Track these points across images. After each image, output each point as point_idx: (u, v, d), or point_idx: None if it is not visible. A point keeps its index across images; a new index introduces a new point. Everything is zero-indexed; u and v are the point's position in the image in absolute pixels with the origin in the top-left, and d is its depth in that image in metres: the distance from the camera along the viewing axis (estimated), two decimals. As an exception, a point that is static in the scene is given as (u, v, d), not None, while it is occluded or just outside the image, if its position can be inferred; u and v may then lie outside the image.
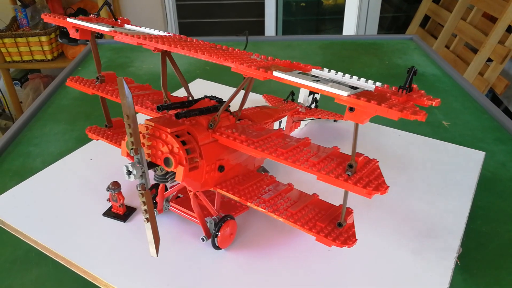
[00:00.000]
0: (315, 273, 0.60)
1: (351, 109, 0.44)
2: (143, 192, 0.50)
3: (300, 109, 0.89)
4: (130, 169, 0.49)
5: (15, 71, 2.67)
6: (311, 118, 0.90)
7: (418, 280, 0.59)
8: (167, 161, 0.54)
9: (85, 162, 0.85)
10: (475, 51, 2.19)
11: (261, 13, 2.94)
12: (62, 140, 1.00)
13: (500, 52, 2.04)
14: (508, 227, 0.72)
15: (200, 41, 0.61)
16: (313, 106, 0.95)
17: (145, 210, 0.50)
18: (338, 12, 2.87)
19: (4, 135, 1.00)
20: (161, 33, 0.65)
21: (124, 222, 0.68)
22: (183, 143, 0.54)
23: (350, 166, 0.48)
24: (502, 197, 0.78)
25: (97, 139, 0.75)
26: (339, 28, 2.77)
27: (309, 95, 0.92)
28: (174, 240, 0.65)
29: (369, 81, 0.48)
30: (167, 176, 0.57)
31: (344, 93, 0.43)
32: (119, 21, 0.72)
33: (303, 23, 3.25)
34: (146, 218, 0.51)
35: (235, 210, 0.68)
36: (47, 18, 0.71)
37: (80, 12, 2.54)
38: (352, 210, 0.55)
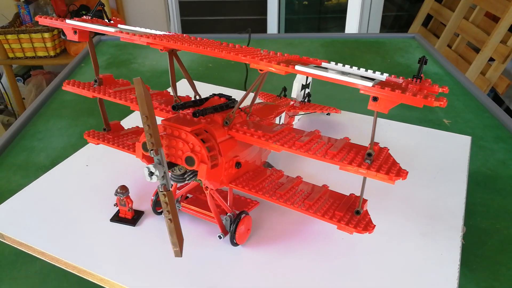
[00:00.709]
0: (330, 261, 0.61)
1: (375, 98, 0.45)
2: (165, 192, 0.49)
3: (294, 104, 0.90)
4: (152, 170, 0.49)
5: (17, 67, 2.68)
6: (307, 112, 0.92)
7: (431, 260, 0.61)
8: (189, 160, 0.53)
9: (81, 167, 0.81)
10: (477, 50, 2.19)
11: (264, 11, 2.95)
12: (65, 135, 1.00)
13: (502, 51, 2.04)
14: (508, 224, 0.72)
15: (204, 39, 0.61)
16: (305, 100, 0.97)
17: (168, 210, 0.49)
18: (340, 11, 2.87)
19: (8, 130, 1.01)
20: (160, 32, 0.64)
21: (134, 226, 0.67)
22: (203, 141, 0.54)
23: (369, 154, 0.50)
24: (502, 194, 0.79)
25: (98, 144, 0.72)
26: (341, 27, 2.78)
27: (301, 90, 0.93)
28: (189, 240, 0.63)
29: (377, 72, 0.49)
30: (185, 175, 0.57)
31: (369, 83, 0.45)
32: (112, 21, 0.70)
33: (305, 21, 3.25)
34: (169, 219, 0.50)
35: (246, 206, 0.69)
36: (42, 20, 0.67)
37: (83, 9, 2.55)
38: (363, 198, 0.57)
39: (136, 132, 0.75)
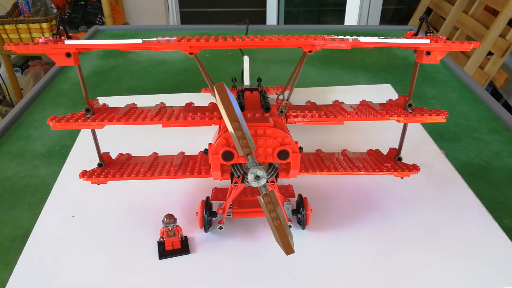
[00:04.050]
0: (377, 211, 0.69)
1: (428, 53, 0.54)
2: (269, 193, 0.49)
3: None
4: (259, 173, 0.48)
5: (16, 57, 2.67)
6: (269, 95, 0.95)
7: (443, 180, 0.75)
8: (282, 154, 0.53)
9: (67, 219, 0.68)
10: (476, 44, 2.18)
11: (263, 3, 2.94)
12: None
13: (501, 45, 2.04)
14: (500, 215, 0.73)
15: (220, 36, 0.58)
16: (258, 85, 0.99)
17: (274, 210, 0.49)
18: (340, 4, 2.86)
19: (4, 118, 1.01)
20: (156, 39, 0.58)
21: (190, 253, 0.61)
22: None
23: (410, 105, 0.59)
24: (494, 185, 0.79)
25: (105, 182, 0.62)
26: (341, 20, 2.77)
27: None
28: (255, 241, 0.63)
29: (386, 37, 0.56)
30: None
31: (426, 41, 0.54)
32: (71, 37, 0.59)
33: (305, 14, 3.24)
34: (277, 218, 0.48)
35: (288, 190, 0.71)
36: (19, 48, 0.53)
37: (81, -1, 2.54)
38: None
39: (129, 158, 0.68)
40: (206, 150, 0.63)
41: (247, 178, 0.54)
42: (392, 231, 0.65)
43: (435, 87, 1.19)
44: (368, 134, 0.89)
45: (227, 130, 0.52)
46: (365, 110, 0.60)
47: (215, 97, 0.47)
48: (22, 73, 2.62)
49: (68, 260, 0.61)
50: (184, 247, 0.61)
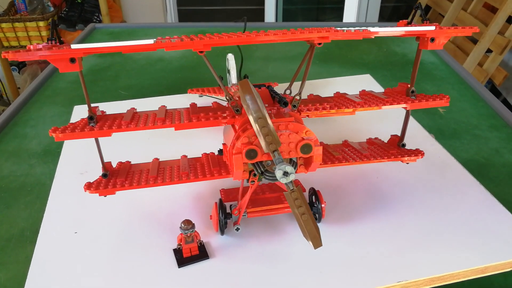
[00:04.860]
0: (384, 197, 0.69)
1: (432, 39, 0.56)
2: (295, 188, 0.49)
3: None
4: (288, 169, 0.47)
5: (13, 56, 2.66)
6: None
7: (438, 162, 0.77)
8: (305, 147, 0.52)
9: (70, 236, 0.64)
10: (475, 42, 2.18)
11: (261, 1, 2.93)
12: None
13: (500, 43, 2.03)
14: (500, 212, 0.72)
15: (226, 33, 0.57)
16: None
17: (300, 206, 0.48)
18: (338, 2, 2.85)
19: (0, 117, 1.00)
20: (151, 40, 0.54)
21: (209, 258, 0.58)
22: None
23: (412, 92, 0.61)
24: (494, 182, 0.79)
25: (114, 193, 0.58)
26: (339, 18, 2.76)
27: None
28: (275, 238, 0.62)
29: (387, 27, 0.58)
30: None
31: (431, 27, 0.55)
32: (63, 42, 0.55)
33: (303, 12, 3.23)
34: (304, 213, 0.48)
35: (297, 184, 0.70)
36: (20, 55, 0.49)
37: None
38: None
39: (131, 166, 0.63)
40: (220, 150, 0.62)
41: (269, 175, 0.53)
42: (403, 217, 0.65)
43: (434, 84, 1.18)
44: (361, 123, 0.89)
45: (247, 128, 0.52)
46: (371, 99, 0.61)
47: (239, 94, 0.46)
48: (19, 72, 2.61)
49: (79, 278, 0.57)
50: (202, 252, 0.59)
